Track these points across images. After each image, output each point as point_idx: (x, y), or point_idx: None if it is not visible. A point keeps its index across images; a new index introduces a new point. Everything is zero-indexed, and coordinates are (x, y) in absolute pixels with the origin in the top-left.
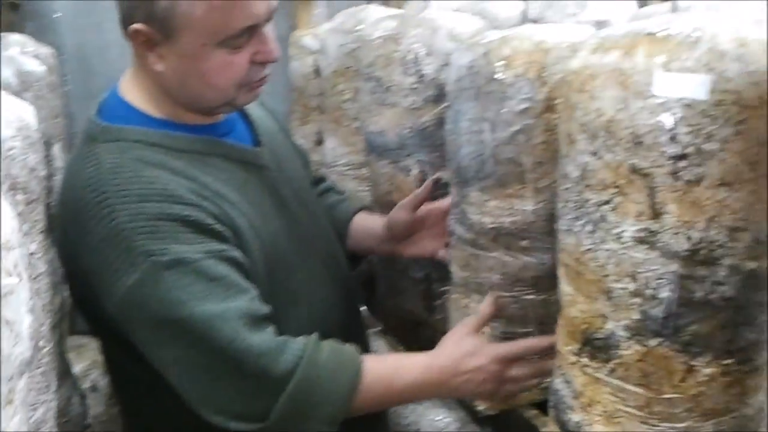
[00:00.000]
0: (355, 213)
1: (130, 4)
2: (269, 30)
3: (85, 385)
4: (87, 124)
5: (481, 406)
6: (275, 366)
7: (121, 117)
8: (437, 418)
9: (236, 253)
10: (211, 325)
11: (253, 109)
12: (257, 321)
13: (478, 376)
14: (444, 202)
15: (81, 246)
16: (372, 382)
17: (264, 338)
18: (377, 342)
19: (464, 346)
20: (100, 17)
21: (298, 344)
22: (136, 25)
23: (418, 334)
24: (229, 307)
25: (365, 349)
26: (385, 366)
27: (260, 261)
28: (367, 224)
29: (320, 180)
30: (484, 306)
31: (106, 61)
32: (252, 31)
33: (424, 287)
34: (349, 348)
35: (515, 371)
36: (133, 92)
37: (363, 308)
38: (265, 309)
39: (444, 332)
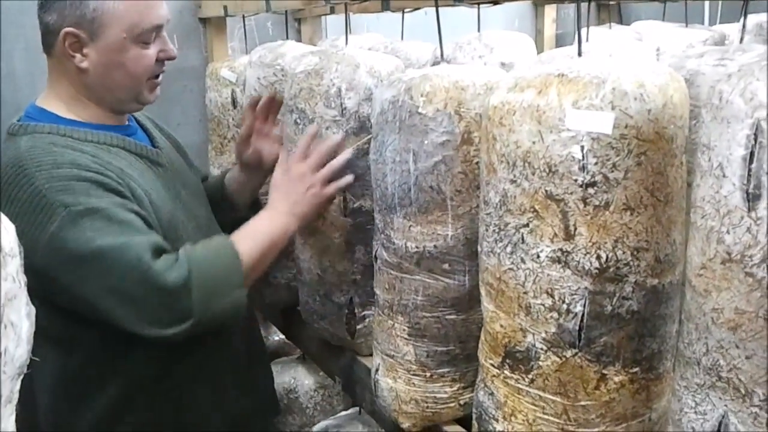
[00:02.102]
0: (223, 176)
1: (60, 12)
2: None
3: None
4: (9, 127)
5: (404, 424)
6: (172, 277)
7: (36, 118)
8: None
9: (139, 209)
10: (120, 252)
11: (152, 129)
12: (158, 251)
13: (298, 188)
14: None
15: (9, 218)
16: (242, 239)
17: (161, 260)
18: (297, 368)
19: (280, 171)
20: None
21: (180, 255)
22: (68, 29)
23: (339, 359)
24: (136, 238)
25: (252, 323)
26: (246, 225)
27: (158, 228)
28: (231, 175)
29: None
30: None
31: (15, 88)
32: (158, 31)
33: (347, 312)
34: (216, 236)
35: (317, 173)
36: (48, 100)
37: (281, 337)
38: (166, 245)
39: (365, 356)
